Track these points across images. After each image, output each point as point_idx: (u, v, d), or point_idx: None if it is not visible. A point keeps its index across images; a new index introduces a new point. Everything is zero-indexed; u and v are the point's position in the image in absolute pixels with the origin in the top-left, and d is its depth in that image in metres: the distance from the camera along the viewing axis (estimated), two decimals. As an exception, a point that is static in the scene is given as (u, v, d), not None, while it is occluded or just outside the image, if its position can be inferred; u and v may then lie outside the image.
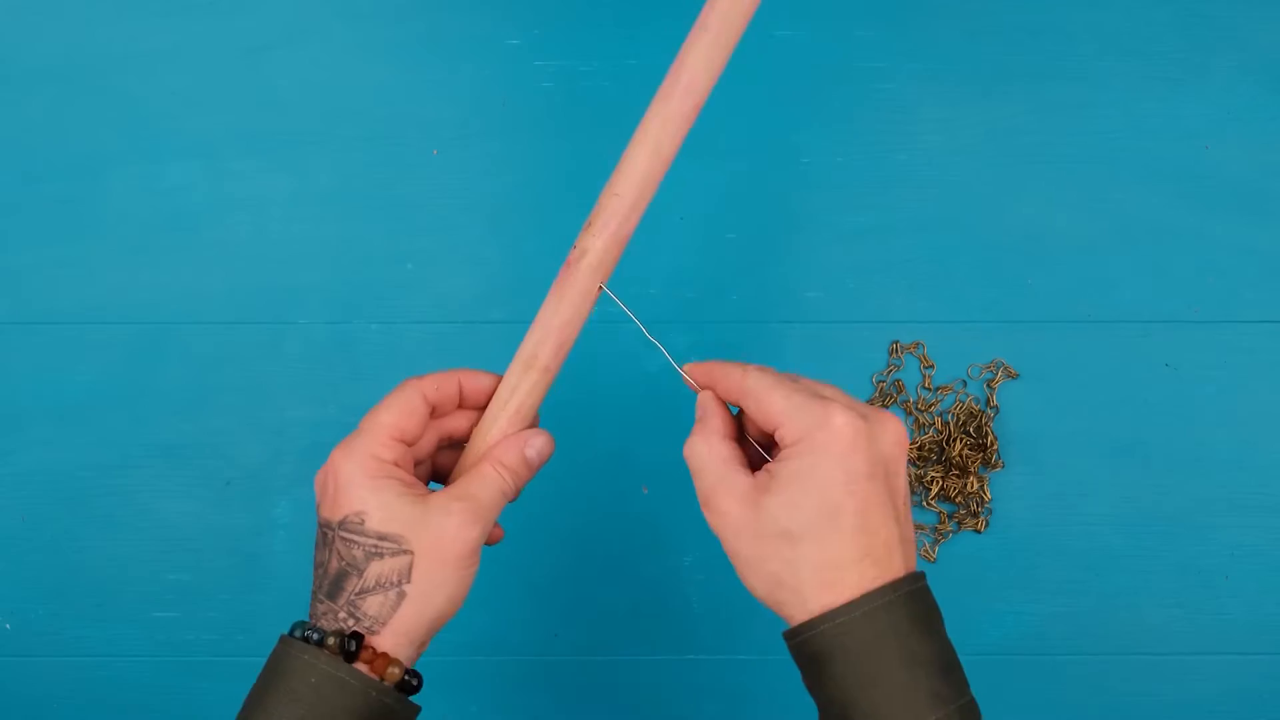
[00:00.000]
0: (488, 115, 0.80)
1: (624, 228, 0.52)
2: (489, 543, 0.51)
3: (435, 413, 0.52)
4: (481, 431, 0.53)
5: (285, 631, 0.49)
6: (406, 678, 0.49)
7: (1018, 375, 0.79)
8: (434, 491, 0.49)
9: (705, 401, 0.51)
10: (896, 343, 0.79)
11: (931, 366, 0.79)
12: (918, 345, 0.79)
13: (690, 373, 0.53)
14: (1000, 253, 0.80)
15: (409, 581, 0.47)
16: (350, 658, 0.47)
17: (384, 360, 0.79)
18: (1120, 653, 0.78)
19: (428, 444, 0.53)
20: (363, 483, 0.48)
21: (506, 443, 0.51)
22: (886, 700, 0.44)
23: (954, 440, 0.78)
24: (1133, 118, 0.80)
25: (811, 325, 0.79)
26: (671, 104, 0.51)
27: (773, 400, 0.47)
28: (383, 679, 0.47)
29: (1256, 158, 0.80)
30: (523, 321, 0.76)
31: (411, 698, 0.49)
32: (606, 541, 0.78)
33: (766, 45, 0.80)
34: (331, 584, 0.48)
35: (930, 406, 0.79)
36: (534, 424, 0.53)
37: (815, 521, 0.45)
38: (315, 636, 0.47)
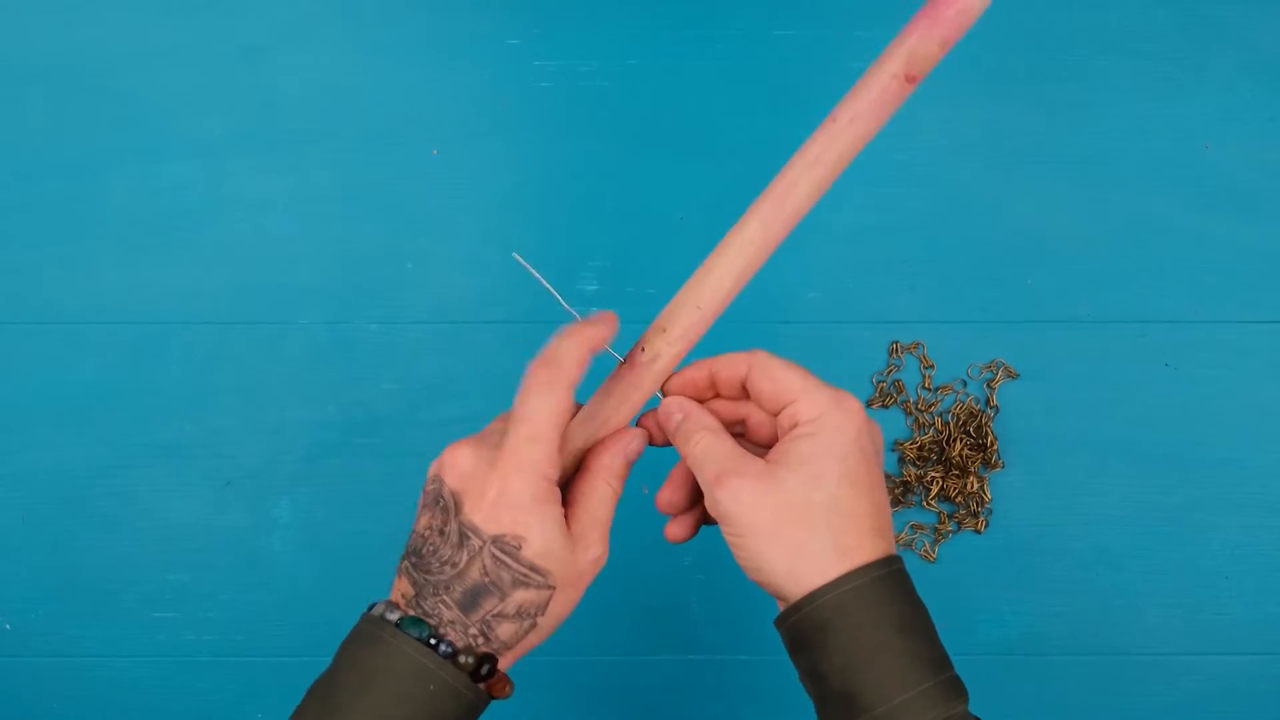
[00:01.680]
0: (487, 115, 0.80)
1: (696, 339, 0.51)
2: None
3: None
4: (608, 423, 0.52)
5: (393, 620, 0.47)
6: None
7: (1018, 375, 0.79)
8: (570, 515, 0.49)
9: (679, 404, 0.51)
10: (896, 343, 0.79)
11: (931, 366, 0.79)
12: (917, 345, 0.79)
13: (677, 383, 0.52)
14: (1000, 252, 0.79)
15: (544, 614, 0.47)
16: (479, 679, 0.47)
17: (384, 360, 0.79)
18: (1120, 653, 0.78)
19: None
20: (530, 506, 0.46)
21: (612, 451, 0.50)
22: (889, 667, 0.44)
23: (954, 440, 0.78)
24: (1132, 118, 0.80)
25: (811, 325, 0.79)
26: (773, 229, 0.49)
27: (790, 378, 0.48)
28: (492, 694, 0.47)
29: (1256, 157, 0.79)
30: (523, 321, 0.79)
31: None
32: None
33: (767, 45, 0.80)
34: (467, 595, 0.46)
35: (930, 407, 0.79)
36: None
37: (838, 493, 0.46)
38: (446, 649, 0.46)
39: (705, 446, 0.49)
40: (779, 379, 0.48)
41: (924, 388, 0.79)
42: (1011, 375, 0.79)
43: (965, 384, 0.79)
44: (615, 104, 0.80)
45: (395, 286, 0.79)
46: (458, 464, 0.47)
